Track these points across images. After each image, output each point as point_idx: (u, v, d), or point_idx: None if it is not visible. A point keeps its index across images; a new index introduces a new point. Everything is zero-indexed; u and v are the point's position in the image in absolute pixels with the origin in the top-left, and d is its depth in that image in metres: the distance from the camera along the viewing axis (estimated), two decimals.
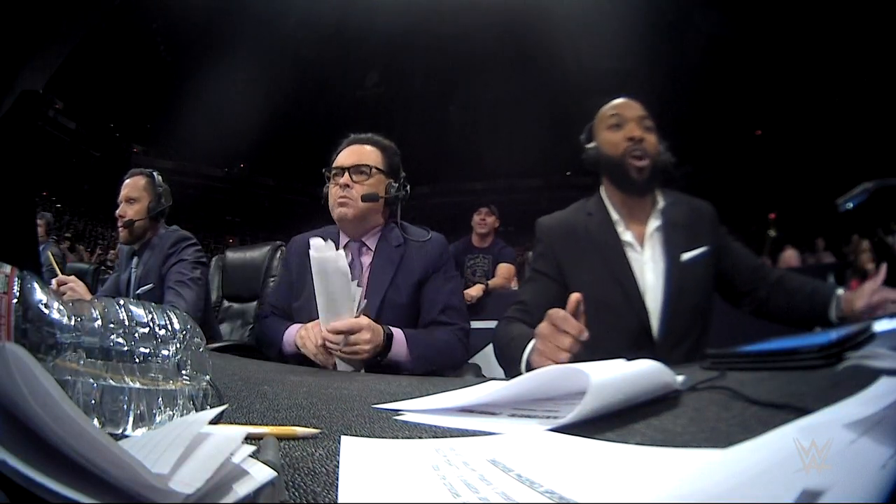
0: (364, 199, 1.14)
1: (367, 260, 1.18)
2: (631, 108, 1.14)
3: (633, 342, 1.04)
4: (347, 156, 1.19)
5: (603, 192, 1.18)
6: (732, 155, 11.91)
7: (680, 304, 1.05)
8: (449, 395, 0.56)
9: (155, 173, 1.79)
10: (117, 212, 1.71)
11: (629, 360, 0.50)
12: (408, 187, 1.22)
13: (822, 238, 6.03)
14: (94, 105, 13.39)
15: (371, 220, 1.18)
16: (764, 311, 1.11)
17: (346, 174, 1.16)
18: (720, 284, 1.14)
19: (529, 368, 0.80)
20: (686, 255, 1.08)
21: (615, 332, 1.03)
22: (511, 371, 0.90)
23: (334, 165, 1.19)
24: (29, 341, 0.33)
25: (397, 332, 1.03)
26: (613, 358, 0.50)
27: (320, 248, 0.95)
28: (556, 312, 0.74)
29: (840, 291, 0.99)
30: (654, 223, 1.11)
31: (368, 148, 1.20)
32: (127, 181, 1.74)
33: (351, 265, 1.04)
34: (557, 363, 0.68)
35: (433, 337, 1.10)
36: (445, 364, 1.12)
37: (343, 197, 1.15)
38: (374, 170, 1.17)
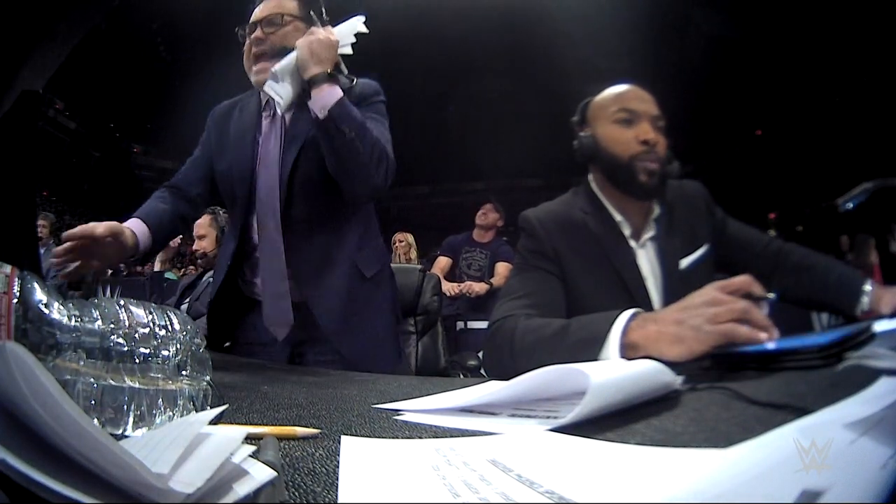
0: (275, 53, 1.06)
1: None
2: (644, 101, 1.00)
3: None
4: (259, 10, 1.12)
5: (595, 187, 1.05)
6: (733, 155, 11.90)
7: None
8: (449, 395, 0.56)
9: (218, 209, 2.31)
10: (193, 247, 2.41)
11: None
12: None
13: (825, 237, 6.00)
14: (94, 105, 13.36)
15: None
16: (782, 296, 1.03)
17: (259, 29, 1.09)
18: (728, 269, 1.06)
19: (624, 352, 0.66)
20: (685, 262, 1.00)
21: None
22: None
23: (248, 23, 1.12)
24: (29, 341, 0.33)
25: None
26: None
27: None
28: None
29: (868, 287, 0.96)
30: (650, 231, 1.01)
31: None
32: (197, 221, 2.29)
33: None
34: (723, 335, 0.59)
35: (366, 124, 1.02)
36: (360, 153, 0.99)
37: (259, 53, 1.08)
38: (286, 17, 1.10)
